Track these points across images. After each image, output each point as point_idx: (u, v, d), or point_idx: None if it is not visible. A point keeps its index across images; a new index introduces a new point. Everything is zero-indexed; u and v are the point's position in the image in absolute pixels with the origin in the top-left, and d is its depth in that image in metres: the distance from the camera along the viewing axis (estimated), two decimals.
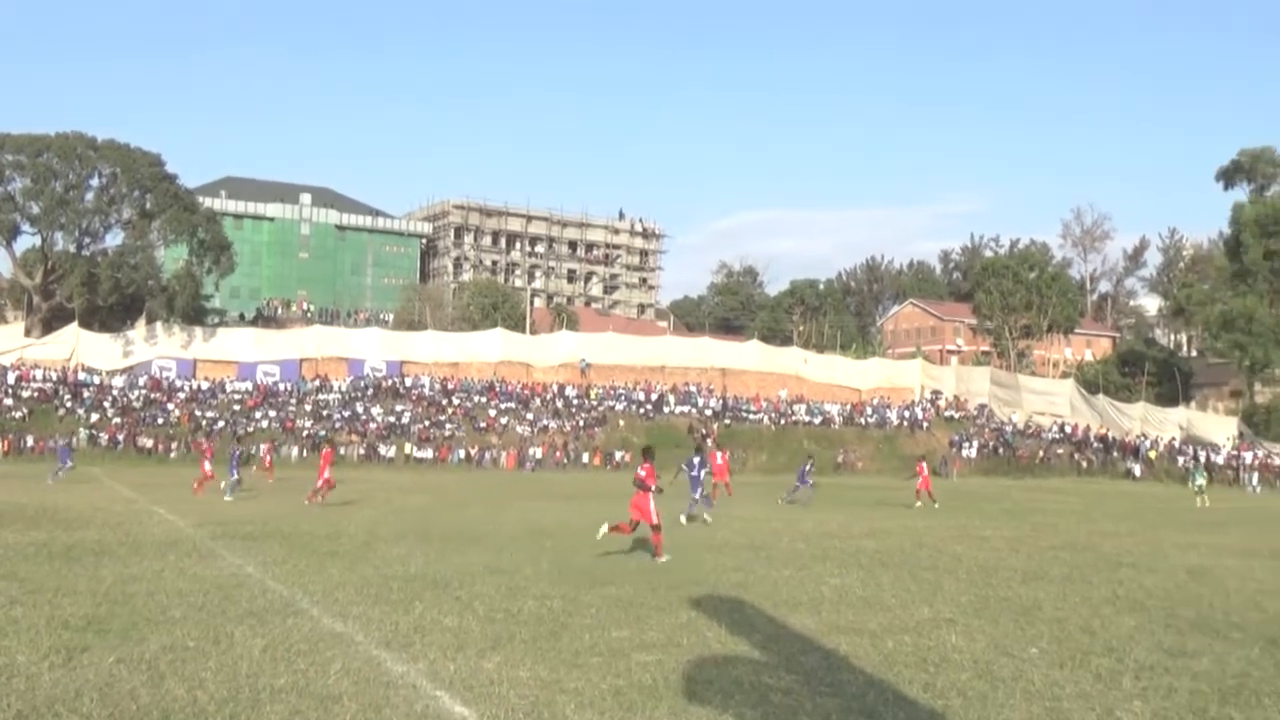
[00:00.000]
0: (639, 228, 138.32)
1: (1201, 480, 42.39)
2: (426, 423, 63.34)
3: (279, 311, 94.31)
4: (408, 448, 60.58)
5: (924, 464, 34.89)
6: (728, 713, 7.16)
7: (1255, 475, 63.31)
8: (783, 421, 69.99)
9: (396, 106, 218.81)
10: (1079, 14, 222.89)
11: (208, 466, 34.11)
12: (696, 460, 25.19)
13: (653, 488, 16.29)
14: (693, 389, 71.94)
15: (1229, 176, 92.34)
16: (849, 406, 73.45)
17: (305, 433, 59.81)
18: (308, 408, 63.42)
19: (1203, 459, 62.47)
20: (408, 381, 68.24)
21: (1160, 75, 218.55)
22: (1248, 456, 67.64)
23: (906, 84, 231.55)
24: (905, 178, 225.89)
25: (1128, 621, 11.25)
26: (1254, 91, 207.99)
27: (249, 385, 65.12)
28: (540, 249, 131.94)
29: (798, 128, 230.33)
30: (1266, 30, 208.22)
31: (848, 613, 11.36)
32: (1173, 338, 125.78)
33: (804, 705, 7.36)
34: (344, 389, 66.18)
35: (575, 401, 68.51)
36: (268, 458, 47.58)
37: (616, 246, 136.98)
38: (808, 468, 35.37)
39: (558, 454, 62.12)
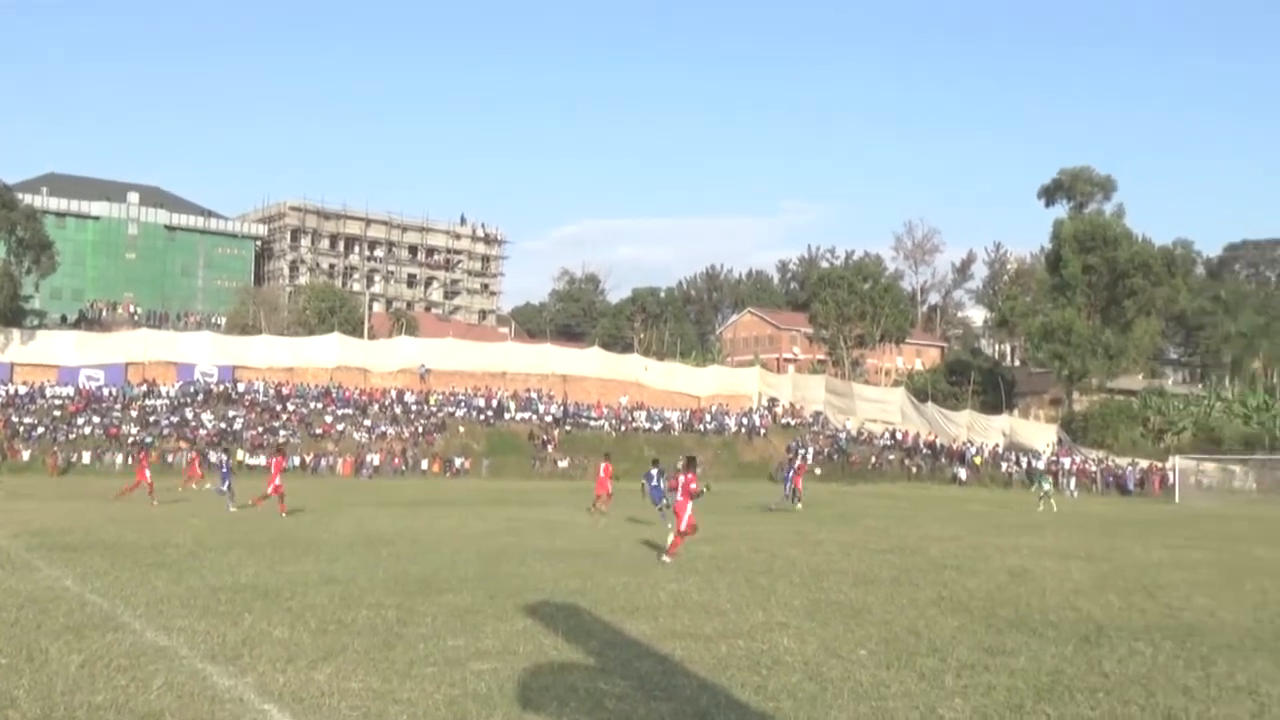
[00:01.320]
0: (481, 233, 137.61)
1: (1047, 486, 45.08)
2: (260, 429, 61.71)
3: (104, 314, 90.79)
4: (240, 454, 58.82)
5: (802, 468, 37.77)
6: (562, 719, 7.18)
7: (1073, 480, 66.01)
8: (623, 428, 70.29)
9: (230, 104, 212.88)
10: (911, 34, 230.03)
11: (148, 474, 32.96)
12: (655, 472, 27.21)
13: (696, 495, 18.21)
14: (533, 395, 71.78)
15: (1050, 194, 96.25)
16: (688, 413, 74.24)
17: (130, 439, 57.64)
18: (133, 414, 61.13)
19: (1044, 465, 65.12)
20: (240, 387, 66.38)
21: (988, 95, 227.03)
22: (1066, 462, 70.61)
23: (750, 95, 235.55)
24: (746, 188, 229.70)
25: (951, 622, 11.65)
26: (1074, 113, 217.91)
27: (70, 390, 62.46)
28: (379, 253, 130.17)
29: (641, 135, 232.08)
30: (1085, 58, 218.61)
31: (683, 618, 11.48)
32: (997, 348, 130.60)
33: (638, 710, 7.41)
34: (173, 394, 64.02)
35: (414, 407, 67.67)
36: (194, 465, 45.53)
37: (458, 252, 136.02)
38: (790, 474, 38.28)
39: (396, 460, 61.22)
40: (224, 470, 32.57)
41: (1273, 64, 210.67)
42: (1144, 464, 70.28)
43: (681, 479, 18.73)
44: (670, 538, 18.25)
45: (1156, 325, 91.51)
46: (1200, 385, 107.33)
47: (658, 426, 71.38)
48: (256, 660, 8.77)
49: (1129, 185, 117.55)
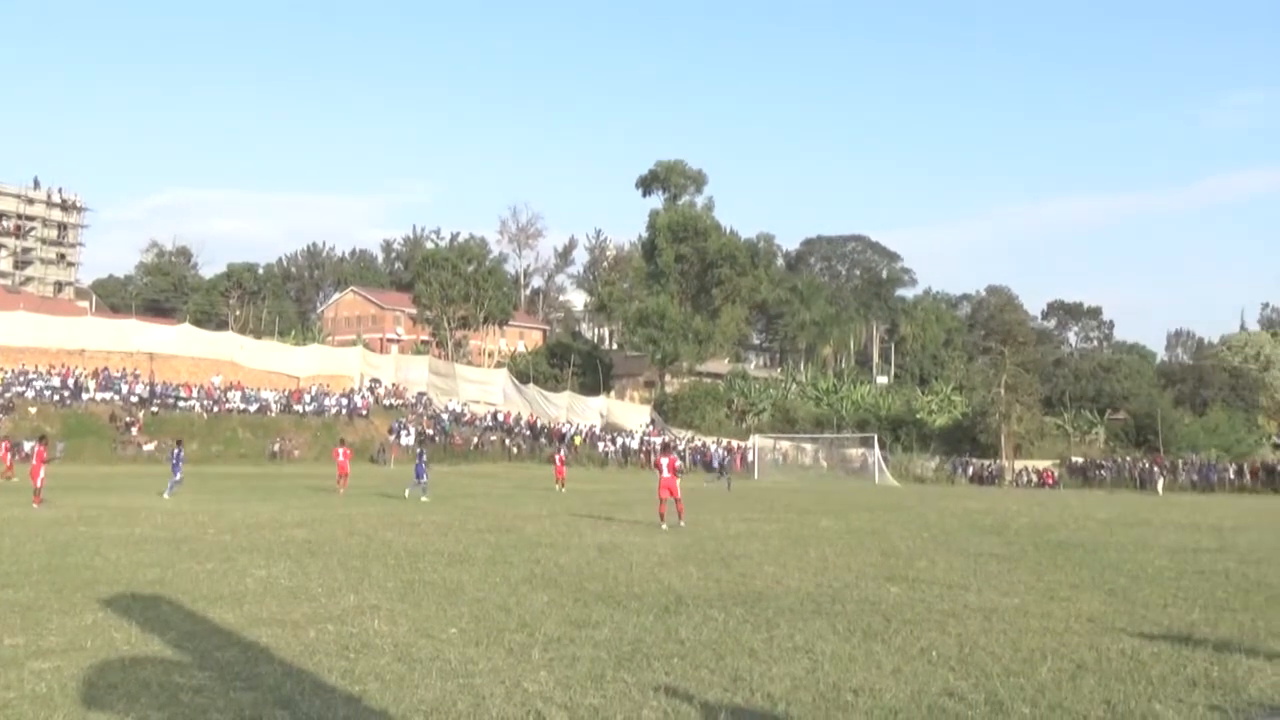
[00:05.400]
0: (58, 199, 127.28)
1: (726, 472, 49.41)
2: None
3: None
4: None
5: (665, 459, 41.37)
6: (130, 716, 6.78)
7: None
8: (216, 409, 67.18)
9: None
10: (520, 17, 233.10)
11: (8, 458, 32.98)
12: (423, 454, 35.00)
13: (680, 472, 22.83)
14: (116, 375, 67.24)
15: (647, 185, 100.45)
16: (287, 394, 71.97)
17: None
18: None
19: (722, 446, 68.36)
20: None
21: (593, 84, 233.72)
22: (658, 441, 74.05)
23: (355, 68, 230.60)
24: (351, 165, 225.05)
25: (541, 597, 11.95)
26: (670, 109, 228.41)
27: None
28: None
29: (240, 103, 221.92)
30: (685, 56, 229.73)
31: (271, 604, 11.16)
32: (597, 332, 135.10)
33: (216, 702, 7.12)
34: None
35: None
36: (5, 455, 40.92)
37: (30, 218, 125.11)
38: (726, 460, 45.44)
39: None
40: (175, 462, 31.23)
41: (842, 73, 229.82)
42: (728, 442, 74.87)
43: (665, 460, 22.96)
44: (666, 511, 22.43)
45: (741, 313, 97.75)
46: (779, 369, 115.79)
47: (254, 407, 68.74)
48: None
49: (718, 180, 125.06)
